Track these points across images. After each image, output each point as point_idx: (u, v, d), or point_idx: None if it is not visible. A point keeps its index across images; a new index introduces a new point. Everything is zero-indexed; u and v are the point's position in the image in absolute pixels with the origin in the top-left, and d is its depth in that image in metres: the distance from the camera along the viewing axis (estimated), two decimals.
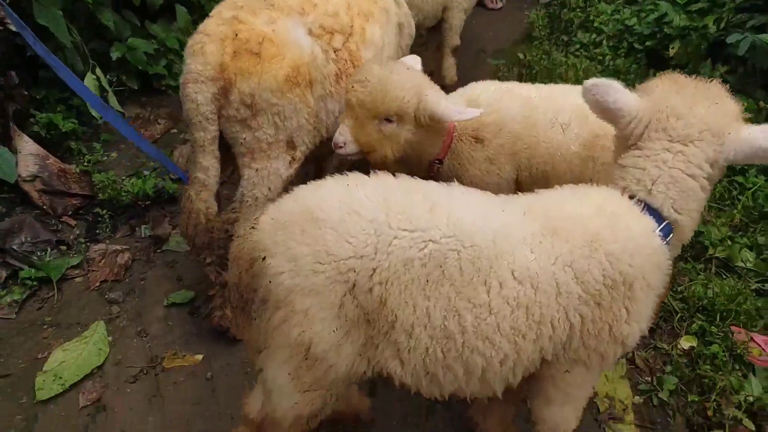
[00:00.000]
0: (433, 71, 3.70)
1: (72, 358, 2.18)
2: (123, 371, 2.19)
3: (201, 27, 2.00)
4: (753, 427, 2.17)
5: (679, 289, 2.72)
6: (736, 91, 3.39)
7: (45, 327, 2.35)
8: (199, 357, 2.25)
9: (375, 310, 1.27)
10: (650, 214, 1.45)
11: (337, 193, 1.31)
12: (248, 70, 1.94)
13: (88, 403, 2.06)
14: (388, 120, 1.90)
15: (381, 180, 1.36)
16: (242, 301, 1.41)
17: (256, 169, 2.09)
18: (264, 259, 1.31)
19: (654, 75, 3.74)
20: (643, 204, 1.45)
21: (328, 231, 1.25)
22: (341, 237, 1.25)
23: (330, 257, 1.25)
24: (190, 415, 2.03)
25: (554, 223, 1.36)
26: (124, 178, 3.17)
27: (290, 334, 1.29)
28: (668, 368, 2.40)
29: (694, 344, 2.51)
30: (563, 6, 4.58)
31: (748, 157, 1.43)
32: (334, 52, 2.16)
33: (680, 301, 2.69)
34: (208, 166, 2.05)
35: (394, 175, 1.40)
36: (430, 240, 1.26)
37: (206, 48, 1.94)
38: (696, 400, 2.27)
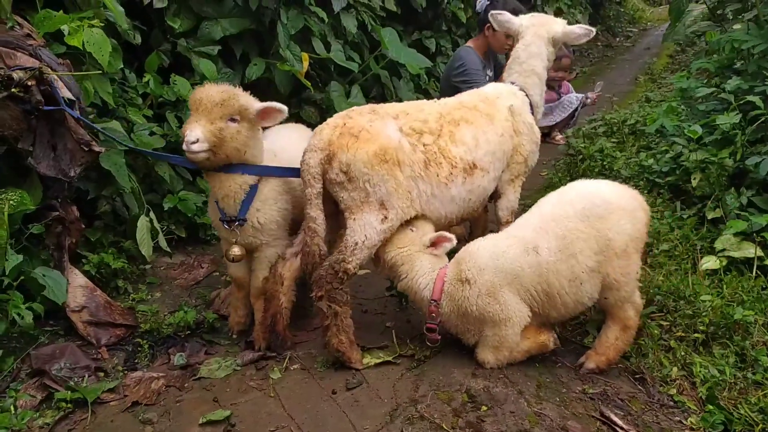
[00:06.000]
0: None
1: None
2: None
3: (327, 120, 2.75)
4: None
5: (752, 401, 2.50)
6: (765, 211, 3.49)
7: None
8: None
9: None
10: None
11: None
12: (347, 146, 2.58)
13: None
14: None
15: None
16: None
17: (354, 219, 2.63)
18: None
19: (681, 208, 3.92)
20: None
21: None
22: None
23: None
24: None
25: None
26: (166, 314, 3.21)
27: None
28: None
29: None
30: (579, 155, 4.87)
31: None
32: (423, 146, 2.76)
33: (758, 412, 2.45)
34: (315, 216, 2.63)
35: None
36: None
37: (323, 131, 2.67)
38: None
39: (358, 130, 2.62)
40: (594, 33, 3.32)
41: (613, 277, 2.52)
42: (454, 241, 2.70)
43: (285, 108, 2.66)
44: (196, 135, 2.46)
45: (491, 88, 3.21)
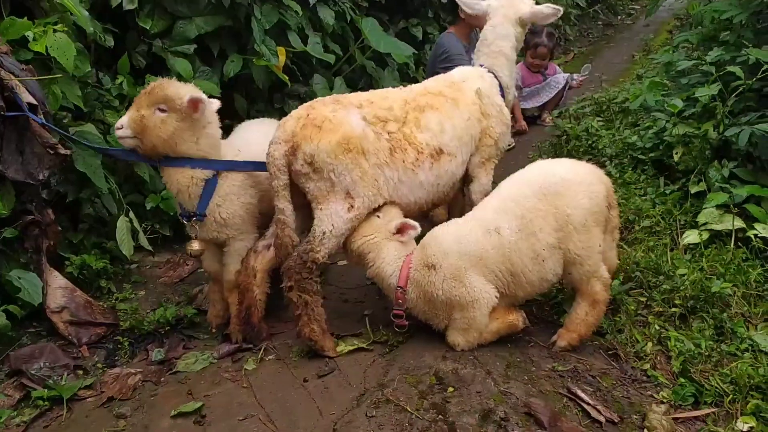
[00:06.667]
0: None
1: None
2: None
3: (291, 113, 2.75)
4: None
5: (724, 371, 2.48)
6: (747, 183, 3.45)
7: None
8: None
9: None
10: None
11: None
12: (310, 137, 2.59)
13: None
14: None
15: None
16: None
17: (321, 209, 2.66)
18: None
19: (665, 183, 3.88)
20: None
21: None
22: None
23: None
24: None
25: None
26: (148, 312, 3.26)
27: None
28: None
29: (753, 424, 2.23)
30: (566, 135, 4.84)
31: None
32: (388, 133, 2.76)
33: (730, 383, 2.44)
34: (284, 208, 2.67)
35: None
36: None
37: (287, 123, 2.69)
38: None
39: (321, 120, 2.63)
40: (561, 12, 3.29)
41: (575, 252, 2.52)
42: (419, 229, 2.70)
43: (210, 100, 2.67)
44: (121, 122, 2.59)
45: (458, 72, 3.20)
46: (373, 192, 2.72)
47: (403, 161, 2.78)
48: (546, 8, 3.27)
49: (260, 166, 2.79)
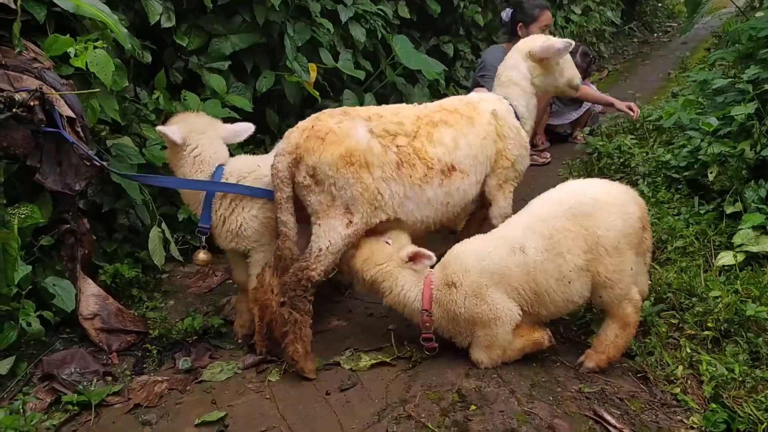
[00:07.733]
0: None
1: None
2: None
3: (297, 124, 2.73)
4: None
5: (759, 398, 2.40)
6: None
7: None
8: None
9: None
10: None
11: None
12: (313, 149, 2.57)
13: None
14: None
15: None
16: None
17: (319, 225, 2.64)
18: None
19: (699, 203, 3.79)
20: None
21: None
22: None
23: None
24: None
25: None
26: (177, 321, 3.32)
27: None
28: None
29: None
30: (597, 153, 4.79)
31: None
32: (397, 147, 2.71)
33: (765, 410, 2.35)
34: (286, 220, 2.64)
35: None
36: None
37: (292, 134, 2.67)
38: None
39: (325, 132, 2.59)
40: (573, 46, 3.25)
41: (605, 275, 2.47)
42: (434, 258, 2.67)
43: (166, 131, 2.78)
44: None
45: (474, 94, 3.22)
46: (374, 207, 2.67)
47: (410, 176, 2.73)
48: (558, 43, 3.20)
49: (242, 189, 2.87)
